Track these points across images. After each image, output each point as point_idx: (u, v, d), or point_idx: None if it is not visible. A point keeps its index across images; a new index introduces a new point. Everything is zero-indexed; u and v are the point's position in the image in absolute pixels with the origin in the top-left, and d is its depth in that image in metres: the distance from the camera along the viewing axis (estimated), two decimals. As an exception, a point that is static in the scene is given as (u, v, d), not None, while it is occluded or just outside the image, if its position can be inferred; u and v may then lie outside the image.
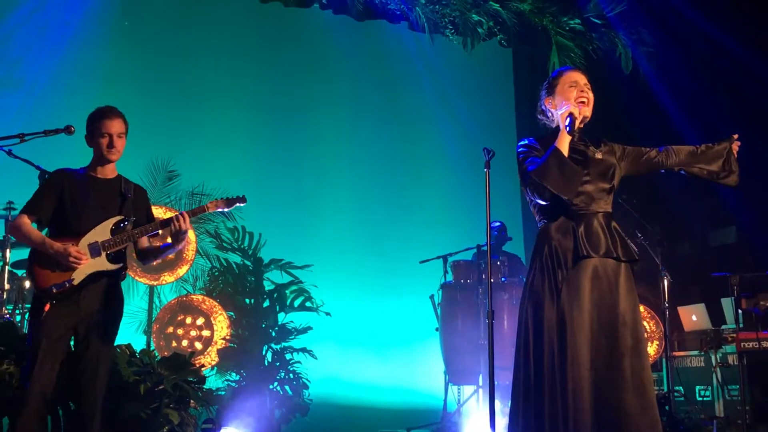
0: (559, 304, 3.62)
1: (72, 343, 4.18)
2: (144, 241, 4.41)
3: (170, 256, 6.80)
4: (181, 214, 4.32)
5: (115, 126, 4.27)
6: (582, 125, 3.93)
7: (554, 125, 3.95)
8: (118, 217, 4.26)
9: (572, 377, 3.51)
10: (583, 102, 3.87)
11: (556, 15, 9.78)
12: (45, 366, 4.00)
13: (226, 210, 4.57)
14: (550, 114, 3.98)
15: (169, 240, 4.46)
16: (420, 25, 9.62)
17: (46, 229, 4.28)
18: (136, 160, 7.85)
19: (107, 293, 4.20)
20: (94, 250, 4.15)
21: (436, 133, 10.16)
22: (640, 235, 7.35)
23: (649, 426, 3.50)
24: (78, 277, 4.11)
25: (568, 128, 3.78)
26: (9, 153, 4.85)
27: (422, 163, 10.12)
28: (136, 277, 7.10)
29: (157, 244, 4.63)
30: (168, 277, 7.12)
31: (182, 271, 7.15)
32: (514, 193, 10.14)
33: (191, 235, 7.14)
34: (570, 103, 3.82)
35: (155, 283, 7.18)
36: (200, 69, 9.36)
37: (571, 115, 3.79)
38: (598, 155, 3.88)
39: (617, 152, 3.98)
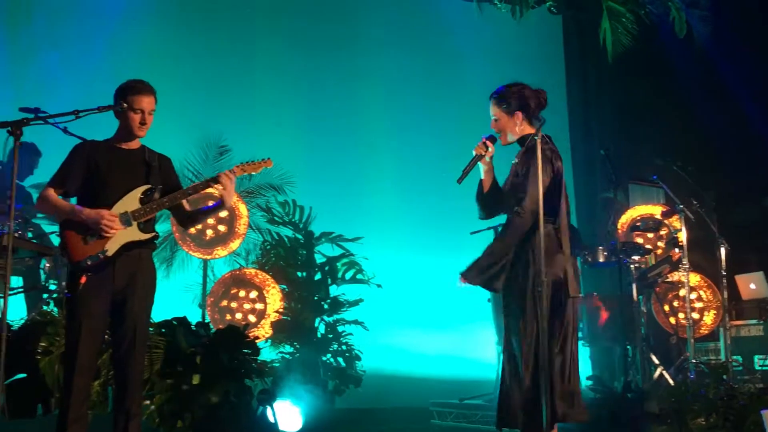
0: None
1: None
2: (186, 206, 4.38)
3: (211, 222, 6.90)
4: (232, 170, 4.30)
5: (149, 103, 4.20)
6: None
7: None
8: (146, 186, 4.20)
9: None
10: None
11: (607, -21, 9.57)
12: (87, 343, 4.01)
13: (253, 173, 4.54)
14: None
15: (210, 203, 4.44)
16: (468, -6, 9.54)
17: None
18: (188, 135, 7.96)
19: (141, 264, 4.17)
20: (125, 220, 4.10)
21: (485, 102, 10.04)
22: (695, 202, 7.21)
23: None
24: (112, 248, 4.06)
25: None
26: (64, 130, 4.89)
27: (472, 132, 10.02)
28: (190, 252, 7.20)
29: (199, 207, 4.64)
30: (221, 251, 7.19)
31: (235, 245, 7.23)
32: (565, 160, 10.00)
33: (243, 209, 7.20)
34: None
35: (208, 257, 7.26)
36: (250, 44, 9.40)
37: None
38: None
39: None
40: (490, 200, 4.46)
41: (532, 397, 4.08)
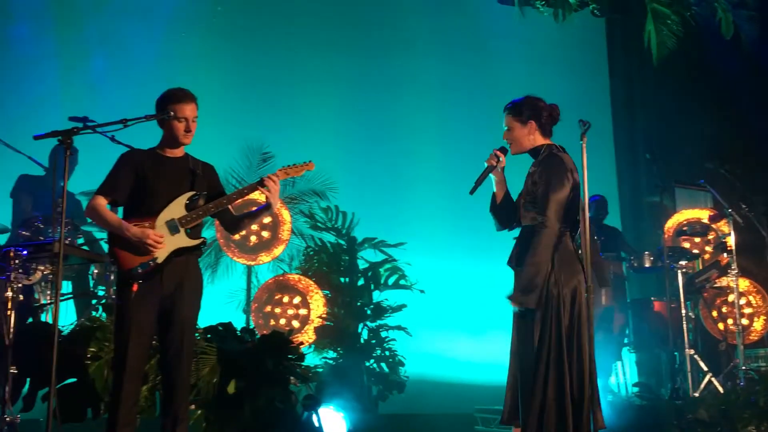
0: None
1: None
2: (232, 211, 4.43)
3: (257, 226, 6.94)
4: (275, 174, 4.35)
5: (191, 110, 4.24)
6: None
7: None
8: (191, 193, 4.24)
9: None
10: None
11: (651, -20, 9.46)
12: (136, 349, 4.07)
13: (296, 176, 4.62)
14: None
15: (253, 208, 4.59)
16: (510, -2, 9.52)
17: (121, 208, 4.30)
18: (231, 142, 8.03)
19: (188, 269, 4.22)
20: (172, 227, 4.15)
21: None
22: (744, 206, 7.09)
23: None
24: (162, 255, 4.11)
25: None
26: (112, 139, 4.99)
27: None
28: (234, 257, 7.26)
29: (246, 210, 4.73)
30: (264, 257, 7.25)
31: (278, 251, 7.27)
32: (610, 165, 9.93)
33: (286, 215, 7.25)
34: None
35: (252, 263, 7.32)
36: (291, 50, 9.47)
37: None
38: None
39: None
40: (503, 211, 4.54)
41: (539, 400, 4.15)
